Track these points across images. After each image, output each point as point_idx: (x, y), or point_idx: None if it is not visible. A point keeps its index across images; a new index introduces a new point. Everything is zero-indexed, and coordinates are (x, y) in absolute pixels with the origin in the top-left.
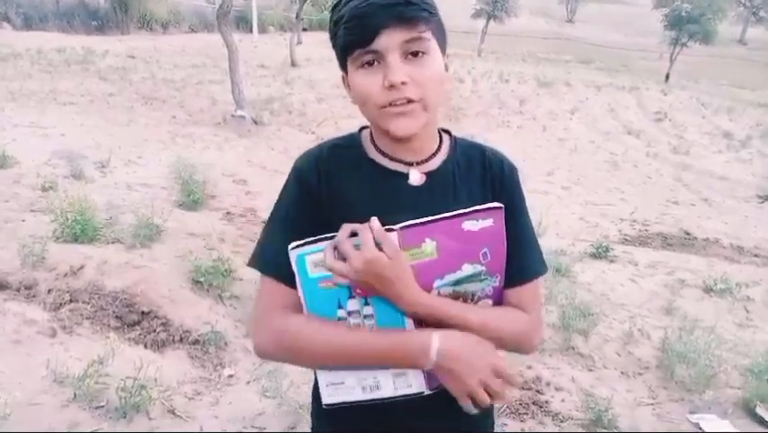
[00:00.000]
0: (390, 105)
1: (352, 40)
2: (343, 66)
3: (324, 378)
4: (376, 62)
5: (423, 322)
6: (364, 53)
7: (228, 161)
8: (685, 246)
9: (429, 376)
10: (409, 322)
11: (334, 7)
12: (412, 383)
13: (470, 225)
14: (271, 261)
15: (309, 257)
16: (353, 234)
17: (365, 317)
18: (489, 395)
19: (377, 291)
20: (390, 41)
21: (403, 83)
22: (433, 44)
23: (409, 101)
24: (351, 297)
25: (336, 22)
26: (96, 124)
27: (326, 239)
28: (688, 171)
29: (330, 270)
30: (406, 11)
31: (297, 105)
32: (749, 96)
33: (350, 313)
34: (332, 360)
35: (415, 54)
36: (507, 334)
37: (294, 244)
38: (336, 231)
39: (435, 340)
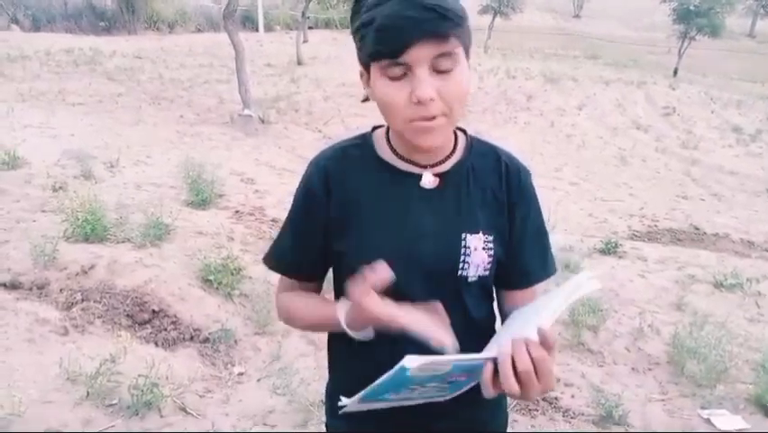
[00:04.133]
0: (417, 120)
1: (381, 50)
2: (365, 65)
3: (355, 406)
4: (403, 73)
5: None
6: (392, 64)
7: (236, 159)
8: (695, 241)
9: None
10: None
11: (358, 1)
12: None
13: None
14: (278, 260)
15: (415, 367)
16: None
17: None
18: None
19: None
20: (421, 54)
21: (431, 99)
22: (461, 56)
23: (435, 117)
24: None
25: (365, 24)
26: (104, 125)
27: (446, 361)
28: (697, 166)
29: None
30: (440, 26)
31: (304, 104)
32: (759, 90)
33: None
34: (305, 327)
35: (443, 67)
36: None
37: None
38: (348, 234)
39: (341, 308)
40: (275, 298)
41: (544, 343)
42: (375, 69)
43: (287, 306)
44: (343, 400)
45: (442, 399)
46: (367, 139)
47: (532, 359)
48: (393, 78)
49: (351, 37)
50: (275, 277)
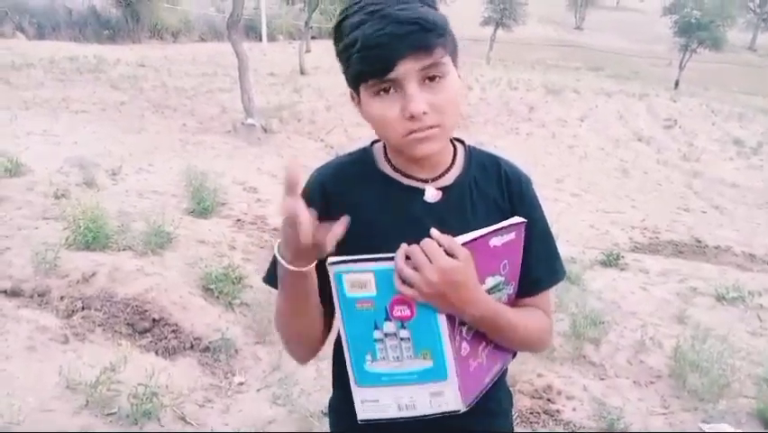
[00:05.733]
0: (411, 132)
1: (368, 70)
2: (354, 88)
3: (359, 395)
4: (392, 89)
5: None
6: (380, 82)
7: (238, 168)
8: (696, 254)
9: (464, 393)
10: (447, 345)
11: (339, 24)
12: (449, 402)
13: (495, 241)
14: (274, 277)
15: (347, 276)
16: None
17: (402, 339)
18: None
19: (448, 302)
20: (408, 69)
21: (424, 113)
22: (449, 66)
23: (430, 127)
24: (387, 319)
25: (347, 46)
26: (107, 132)
27: (366, 260)
28: (698, 179)
29: (403, 294)
30: (423, 39)
31: (307, 113)
32: (760, 103)
33: (386, 335)
34: (285, 316)
35: (432, 78)
36: (538, 334)
37: (332, 259)
38: (353, 251)
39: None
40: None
41: (448, 247)
42: (364, 89)
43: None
44: (359, 415)
45: (446, 408)
46: (367, 154)
47: (425, 251)
48: (383, 96)
49: None
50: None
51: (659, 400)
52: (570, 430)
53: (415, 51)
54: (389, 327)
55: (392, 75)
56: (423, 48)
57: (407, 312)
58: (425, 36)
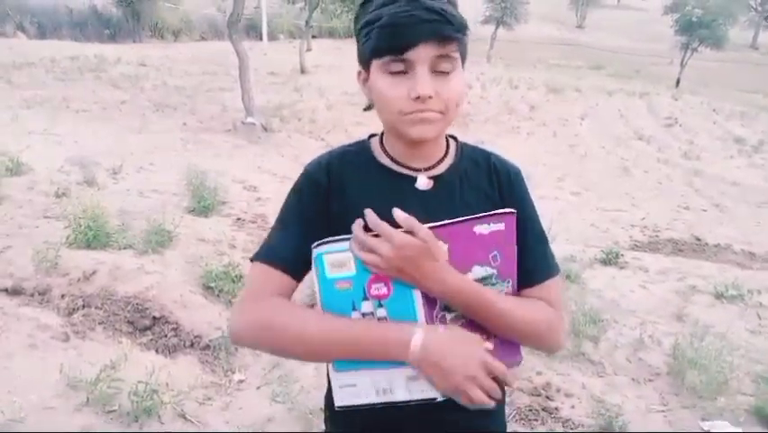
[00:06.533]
0: (413, 113)
1: (386, 46)
2: (365, 63)
3: (337, 380)
4: (403, 70)
5: (447, 307)
6: (395, 60)
7: (238, 167)
8: (696, 252)
9: None
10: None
11: (366, 0)
12: (426, 388)
13: (481, 228)
14: (268, 251)
15: (327, 257)
16: (367, 229)
17: (379, 319)
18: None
19: (407, 275)
20: (423, 54)
21: (430, 97)
22: (458, 64)
23: (431, 111)
24: (365, 298)
25: (371, 21)
26: (108, 131)
27: (345, 240)
28: (699, 177)
29: (363, 260)
30: (444, 29)
31: (307, 113)
32: (761, 101)
33: (364, 315)
34: (304, 345)
35: (441, 72)
36: (539, 325)
37: (316, 242)
38: (346, 233)
39: (419, 333)
40: (249, 302)
41: (408, 226)
42: (376, 65)
43: (279, 317)
44: (336, 402)
45: (423, 395)
46: (364, 144)
47: (383, 231)
48: (394, 75)
49: (354, 46)
50: None
51: (658, 398)
52: (568, 428)
53: (434, 38)
54: (367, 306)
55: (408, 55)
56: (441, 37)
57: (384, 290)
58: (446, 28)
